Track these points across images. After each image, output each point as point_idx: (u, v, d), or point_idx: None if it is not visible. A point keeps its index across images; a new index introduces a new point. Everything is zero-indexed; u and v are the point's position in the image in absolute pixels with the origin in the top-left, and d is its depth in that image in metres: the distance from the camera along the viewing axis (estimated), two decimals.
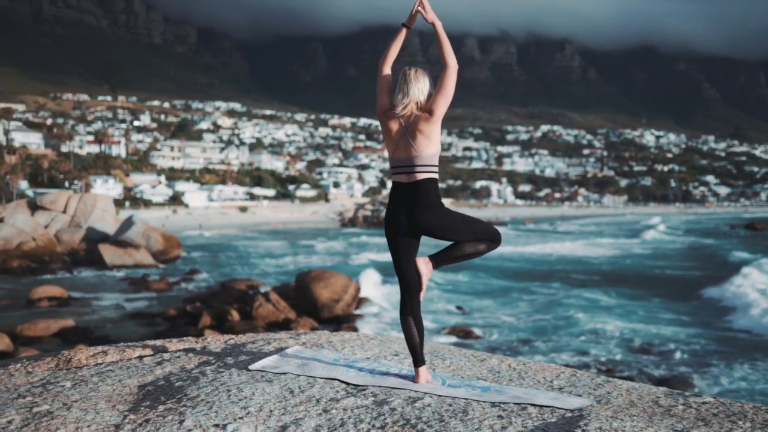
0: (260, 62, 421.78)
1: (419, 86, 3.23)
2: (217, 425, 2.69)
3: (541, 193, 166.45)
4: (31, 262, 33.82)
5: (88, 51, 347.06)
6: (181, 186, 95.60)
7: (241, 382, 3.24)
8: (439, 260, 3.33)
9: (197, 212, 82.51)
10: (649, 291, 27.13)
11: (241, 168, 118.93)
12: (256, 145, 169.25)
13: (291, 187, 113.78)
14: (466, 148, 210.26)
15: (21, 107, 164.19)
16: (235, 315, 19.37)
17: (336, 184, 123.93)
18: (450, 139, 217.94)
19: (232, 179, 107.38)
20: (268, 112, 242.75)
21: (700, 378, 14.18)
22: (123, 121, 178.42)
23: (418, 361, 3.28)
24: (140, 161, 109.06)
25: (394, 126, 3.26)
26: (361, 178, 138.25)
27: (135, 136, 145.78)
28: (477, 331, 18.79)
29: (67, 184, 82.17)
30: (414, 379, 3.29)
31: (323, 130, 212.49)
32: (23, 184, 76.96)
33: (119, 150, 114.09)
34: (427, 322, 19.35)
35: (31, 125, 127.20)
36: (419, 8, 3.29)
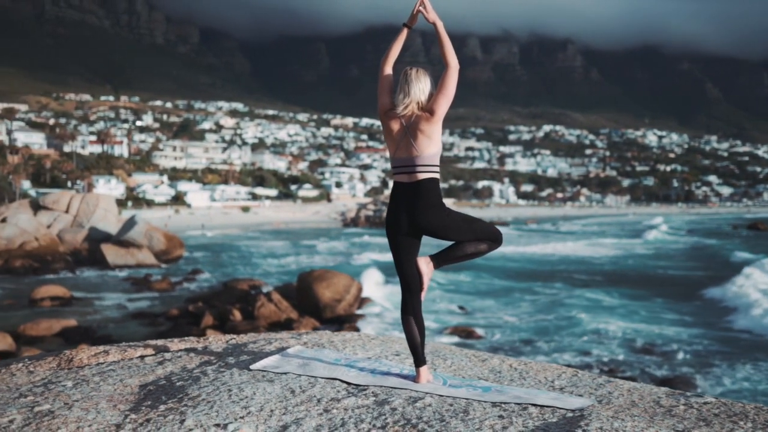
0: (263, 62, 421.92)
1: (420, 86, 3.24)
2: (218, 425, 2.69)
3: (544, 193, 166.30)
4: (33, 262, 33.88)
5: (90, 51, 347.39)
6: (183, 186, 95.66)
7: (242, 382, 3.24)
8: (440, 260, 3.33)
9: (199, 212, 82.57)
10: (651, 291, 27.12)
11: (243, 168, 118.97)
12: (259, 145, 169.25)
13: (293, 187, 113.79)
14: (468, 148, 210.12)
15: (24, 107, 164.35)
16: (237, 315, 19.39)
17: (338, 184, 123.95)
18: (452, 139, 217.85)
19: (235, 179, 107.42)
20: (270, 112, 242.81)
21: (702, 378, 14.17)
22: (125, 121, 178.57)
23: (419, 361, 3.28)
24: (143, 161, 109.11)
25: (395, 126, 3.26)
26: (363, 178, 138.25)
27: (137, 136, 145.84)
28: (479, 331, 18.79)
29: (69, 184, 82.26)
30: (415, 379, 3.29)
31: (325, 130, 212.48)
32: (26, 184, 77.04)
33: (122, 150, 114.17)
34: (430, 322, 19.35)
35: (33, 125, 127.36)
36: (420, 8, 3.29)
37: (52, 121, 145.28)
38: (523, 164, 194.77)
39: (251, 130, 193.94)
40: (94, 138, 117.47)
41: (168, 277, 29.98)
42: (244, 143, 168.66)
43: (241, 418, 2.77)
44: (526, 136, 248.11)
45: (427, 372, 3.30)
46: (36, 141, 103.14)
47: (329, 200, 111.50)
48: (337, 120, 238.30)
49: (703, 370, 14.81)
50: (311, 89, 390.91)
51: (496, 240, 3.33)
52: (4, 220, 37.25)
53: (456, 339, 17.72)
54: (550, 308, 22.88)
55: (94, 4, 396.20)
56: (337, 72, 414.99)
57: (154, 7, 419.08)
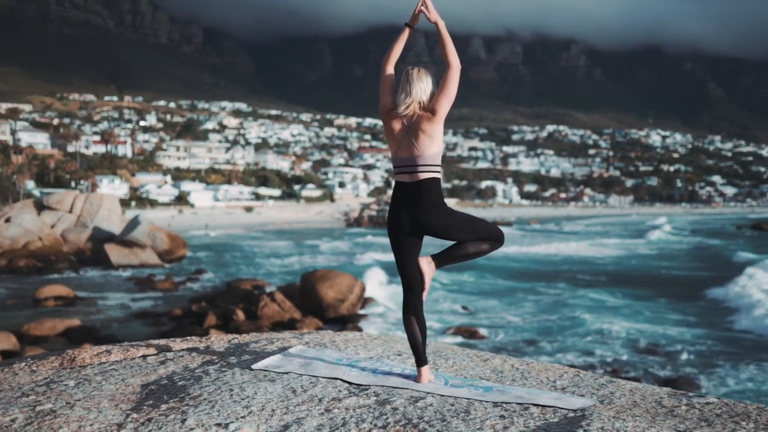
0: (266, 62, 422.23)
1: (422, 86, 3.24)
2: (219, 424, 2.70)
3: (547, 194, 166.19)
4: (37, 262, 33.94)
5: (94, 51, 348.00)
6: (186, 186, 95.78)
7: (244, 382, 3.24)
8: (441, 260, 3.33)
9: (203, 212, 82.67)
10: (654, 291, 27.08)
11: (246, 168, 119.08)
12: (262, 145, 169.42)
13: (296, 187, 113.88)
14: (471, 148, 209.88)
15: (28, 107, 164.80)
16: (240, 315, 19.40)
17: (341, 184, 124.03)
18: (455, 139, 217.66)
19: (238, 179, 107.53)
20: (273, 112, 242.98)
21: (706, 379, 14.15)
22: (129, 121, 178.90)
23: (420, 360, 3.28)
24: (146, 161, 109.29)
25: (397, 125, 3.27)
26: (366, 178, 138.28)
27: (141, 136, 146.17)
28: (482, 332, 18.77)
29: (73, 184, 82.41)
30: (416, 378, 3.29)
31: (329, 130, 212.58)
32: (30, 184, 77.20)
33: (125, 150, 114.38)
34: (433, 322, 19.34)
35: (37, 125, 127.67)
36: (422, 8, 3.29)
37: (56, 121, 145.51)
38: (527, 164, 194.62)
39: (254, 130, 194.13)
40: (97, 138, 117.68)
41: (171, 277, 30.01)
42: (248, 143, 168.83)
43: (243, 417, 2.77)
44: (530, 136, 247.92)
45: (428, 372, 3.30)
46: (40, 141, 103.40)
47: (332, 200, 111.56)
48: (340, 120, 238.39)
49: (706, 371, 14.78)
50: (314, 89, 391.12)
51: (497, 240, 3.33)
52: (8, 220, 37.34)
53: (459, 339, 17.72)
54: (553, 308, 22.86)
55: (99, 4, 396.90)
56: (340, 72, 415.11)
57: (158, 7, 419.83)
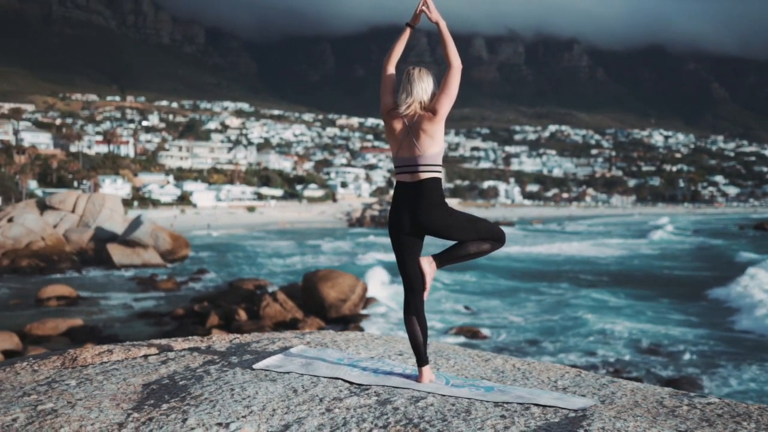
0: (268, 62, 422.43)
1: (423, 86, 3.24)
2: (220, 424, 2.70)
3: (549, 194, 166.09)
4: (40, 262, 33.99)
5: (96, 51, 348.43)
6: (189, 186, 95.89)
7: (245, 381, 3.25)
8: (442, 260, 3.33)
9: (205, 212, 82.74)
10: (657, 291, 27.05)
11: (248, 168, 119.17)
12: (264, 145, 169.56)
13: (299, 187, 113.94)
14: (473, 148, 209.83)
15: (30, 107, 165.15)
16: (242, 315, 19.41)
17: (344, 184, 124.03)
18: (458, 139, 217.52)
19: (240, 179, 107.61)
20: (276, 112, 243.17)
21: (708, 379, 14.13)
22: (131, 121, 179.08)
23: (421, 360, 3.28)
24: (148, 161, 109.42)
25: (398, 125, 3.27)
26: (368, 178, 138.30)
27: (143, 136, 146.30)
28: (485, 332, 18.77)
29: (75, 183, 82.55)
30: (417, 378, 3.28)
31: (331, 130, 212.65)
32: (32, 184, 77.35)
33: (128, 150, 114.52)
34: (435, 322, 19.35)
35: (40, 125, 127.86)
36: (423, 7, 3.29)
37: (58, 121, 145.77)
38: (529, 164, 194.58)
39: (257, 130, 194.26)
40: (100, 138, 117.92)
41: (173, 277, 30.05)
42: (250, 143, 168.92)
43: (243, 417, 2.77)
44: (532, 136, 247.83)
45: (429, 372, 3.29)
46: (42, 141, 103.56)
47: (335, 200, 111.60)
48: (342, 120, 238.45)
49: (709, 371, 14.76)
50: (317, 89, 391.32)
51: (499, 239, 3.33)
52: (10, 220, 37.40)
53: (462, 339, 17.71)
54: (555, 308, 22.84)
55: (101, 4, 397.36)
56: (342, 72, 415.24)
57: (160, 7, 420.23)
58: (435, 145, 3.22)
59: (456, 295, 25.69)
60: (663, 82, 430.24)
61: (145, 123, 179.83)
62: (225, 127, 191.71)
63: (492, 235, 3.30)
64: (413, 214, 3.23)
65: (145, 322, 20.41)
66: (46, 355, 3.97)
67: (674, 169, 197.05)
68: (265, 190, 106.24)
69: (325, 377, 3.34)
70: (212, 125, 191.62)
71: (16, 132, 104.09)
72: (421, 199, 3.21)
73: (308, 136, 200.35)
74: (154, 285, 28.15)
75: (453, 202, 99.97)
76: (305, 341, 4.22)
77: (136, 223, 38.76)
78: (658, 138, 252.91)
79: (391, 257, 35.91)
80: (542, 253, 45.01)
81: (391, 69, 3.38)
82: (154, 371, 3.52)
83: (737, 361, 15.56)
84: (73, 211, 40.81)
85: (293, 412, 2.83)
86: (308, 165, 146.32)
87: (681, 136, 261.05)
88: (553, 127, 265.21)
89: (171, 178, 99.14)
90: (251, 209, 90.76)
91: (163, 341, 4.32)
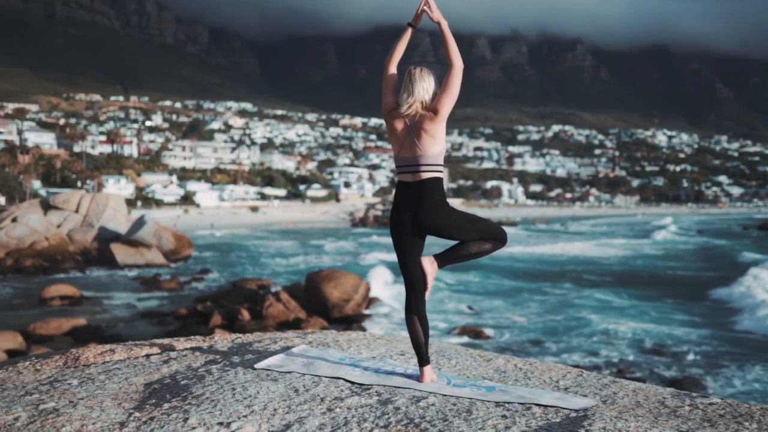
0: (271, 62, 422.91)
1: (424, 85, 3.24)
2: (221, 423, 2.70)
3: (552, 194, 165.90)
4: (43, 262, 34.06)
5: (100, 51, 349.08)
6: (192, 186, 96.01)
7: (246, 381, 3.25)
8: (444, 259, 3.33)
9: (208, 212, 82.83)
10: (660, 292, 27.01)
11: (252, 168, 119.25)
12: (267, 145, 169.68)
13: (302, 187, 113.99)
14: (476, 148, 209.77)
15: (34, 107, 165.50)
16: (245, 314, 19.42)
17: (347, 184, 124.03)
18: (461, 139, 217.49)
19: (243, 179, 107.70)
20: (279, 112, 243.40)
21: (712, 379, 14.10)
22: (135, 121, 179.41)
23: (422, 360, 3.28)
24: (152, 161, 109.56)
25: (399, 125, 3.27)
26: (371, 178, 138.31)
27: (147, 136, 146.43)
28: (488, 332, 18.75)
29: (79, 183, 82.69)
30: (419, 378, 3.28)
31: (334, 130, 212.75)
32: (36, 184, 77.48)
33: (131, 150, 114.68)
34: (439, 322, 19.34)
35: (44, 125, 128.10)
36: (425, 7, 3.29)
37: (62, 121, 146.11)
38: (532, 164, 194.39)
39: (260, 130, 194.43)
40: (103, 138, 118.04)
41: (177, 277, 30.08)
42: (253, 143, 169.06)
43: (245, 416, 2.78)
44: (535, 136, 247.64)
45: (430, 371, 3.29)
46: (46, 141, 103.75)
47: (338, 200, 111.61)
48: (345, 120, 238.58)
49: (712, 371, 14.73)
50: (320, 89, 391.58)
51: (500, 239, 3.32)
52: (14, 220, 37.48)
53: (465, 339, 17.70)
54: (559, 309, 22.82)
55: (104, 4, 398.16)
56: (345, 72, 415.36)
57: (164, 7, 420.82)
58: (436, 144, 3.22)
59: (459, 295, 25.68)
60: (666, 82, 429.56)
61: (148, 123, 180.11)
62: (228, 127, 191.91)
63: (493, 234, 3.30)
64: (414, 213, 3.23)
65: (149, 322, 20.43)
66: (48, 355, 3.98)
67: (678, 169, 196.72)
68: (268, 190, 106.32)
69: (326, 377, 3.34)
70: (215, 125, 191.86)
71: (20, 132, 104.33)
72: (422, 198, 3.21)
73: (311, 136, 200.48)
74: (157, 285, 28.18)
75: (456, 202, 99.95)
76: (307, 341, 4.22)
77: (140, 223, 38.81)
78: (661, 138, 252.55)
79: (394, 257, 35.75)
80: (545, 253, 44.97)
81: (393, 69, 3.38)
82: (155, 371, 3.52)
83: (741, 361, 15.52)
84: (76, 211, 40.88)
85: (294, 412, 2.83)
86: (311, 165, 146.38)
87: (685, 136, 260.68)
88: (556, 127, 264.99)
89: (174, 178, 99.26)
90: (254, 209, 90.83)
91: (166, 341, 4.33)
